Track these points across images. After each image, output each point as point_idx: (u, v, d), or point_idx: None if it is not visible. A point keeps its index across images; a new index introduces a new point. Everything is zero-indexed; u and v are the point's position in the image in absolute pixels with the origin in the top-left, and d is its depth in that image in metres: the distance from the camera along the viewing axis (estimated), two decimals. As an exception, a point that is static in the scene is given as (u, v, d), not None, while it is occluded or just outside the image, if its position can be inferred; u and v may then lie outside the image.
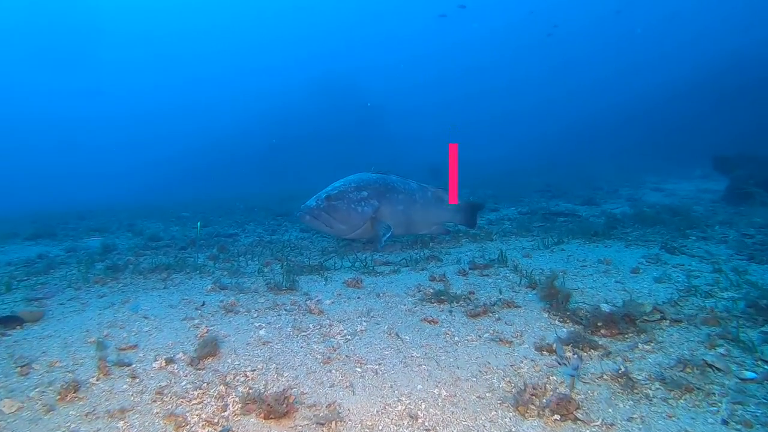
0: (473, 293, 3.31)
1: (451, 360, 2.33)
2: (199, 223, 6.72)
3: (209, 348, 2.48)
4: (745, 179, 7.65)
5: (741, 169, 7.94)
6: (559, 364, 2.25)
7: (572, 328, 2.67)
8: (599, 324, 2.57)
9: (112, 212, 10.51)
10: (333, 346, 2.53)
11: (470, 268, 4.01)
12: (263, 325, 2.89)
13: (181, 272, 4.33)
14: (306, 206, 4.82)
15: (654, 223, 5.80)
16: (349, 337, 2.67)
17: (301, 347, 2.55)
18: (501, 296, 3.25)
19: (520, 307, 3.02)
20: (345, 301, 3.29)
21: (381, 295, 3.39)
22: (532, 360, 2.31)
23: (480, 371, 2.21)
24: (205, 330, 2.80)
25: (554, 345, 2.39)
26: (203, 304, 3.34)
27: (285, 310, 3.17)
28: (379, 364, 2.31)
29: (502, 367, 2.25)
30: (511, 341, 2.52)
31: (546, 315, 2.88)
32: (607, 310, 2.63)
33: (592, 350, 2.37)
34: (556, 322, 2.78)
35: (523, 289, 3.41)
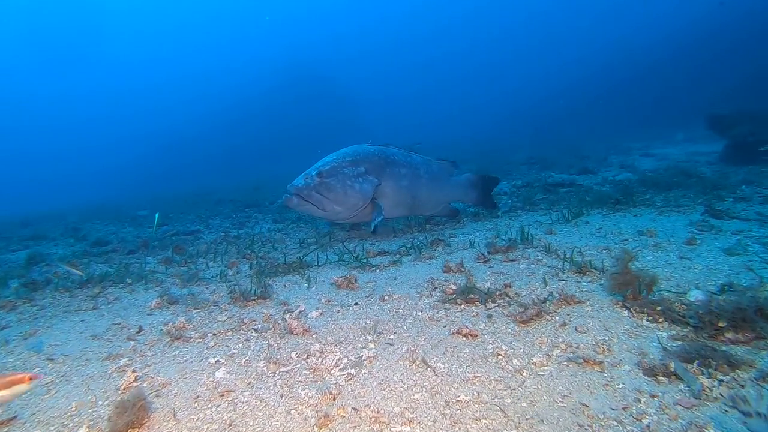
0: (509, 286, 2.40)
1: (525, 405, 1.42)
2: (156, 215, 5.56)
3: (133, 412, 1.49)
4: (744, 137, 7.02)
5: (739, 127, 7.29)
6: (696, 398, 1.37)
7: (673, 332, 1.80)
8: (721, 324, 1.70)
9: (61, 216, 9.15)
10: (330, 391, 1.58)
11: (490, 252, 3.11)
12: (222, 359, 1.90)
13: (120, 284, 3.26)
14: (293, 186, 3.76)
15: (669, 186, 5.04)
16: (353, 371, 1.72)
17: (281, 396, 1.59)
18: (548, 288, 2.36)
19: (582, 302, 2.13)
20: (338, 311, 2.33)
21: (386, 297, 2.44)
22: (650, 395, 1.42)
23: (581, 426, 1.31)
24: (133, 377, 1.79)
25: (672, 365, 1.51)
26: (140, 331, 2.32)
27: (255, 330, 2.19)
28: (411, 423, 1.38)
29: (611, 413, 1.35)
30: (600, 361, 1.62)
31: (625, 313, 1.99)
32: (731, 304, 1.76)
33: (736, 369, 1.50)
34: (644, 321, 1.90)
35: (572, 276, 2.52)
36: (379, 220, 3.80)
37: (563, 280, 2.47)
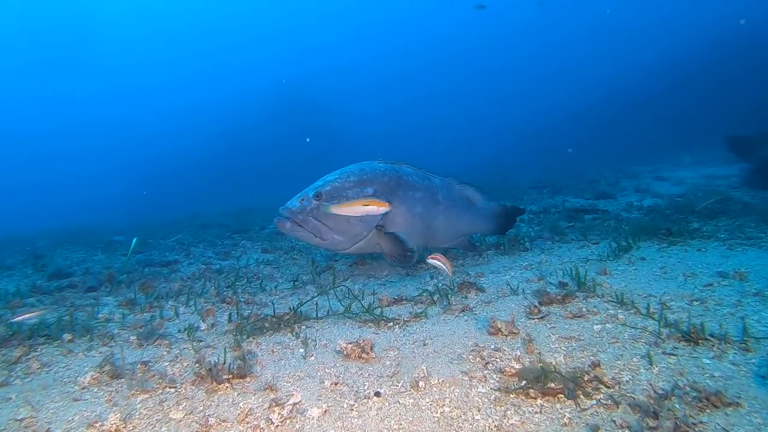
0: (598, 365, 1.62)
1: None
2: (134, 241, 4.70)
3: None
4: (772, 160, 6.42)
5: (763, 149, 6.70)
6: None
7: None
8: None
9: (32, 240, 8.20)
10: None
11: (542, 303, 2.34)
12: None
13: (56, 342, 2.42)
14: (286, 209, 3.07)
15: (714, 214, 4.36)
16: None
17: None
18: (657, 369, 1.58)
19: (736, 404, 1.36)
20: (352, 408, 1.53)
21: (419, 382, 1.64)
22: None
23: None
24: None
25: None
26: (47, 438, 1.49)
27: (224, 443, 1.38)
28: None
29: None
30: None
31: (823, 430, 1.22)
32: None
33: None
34: None
35: (680, 346, 1.75)
36: (411, 264, 3.10)
37: (671, 354, 1.70)
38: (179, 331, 2.48)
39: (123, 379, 1.89)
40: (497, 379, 1.62)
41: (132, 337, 2.41)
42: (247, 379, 1.80)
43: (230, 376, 1.78)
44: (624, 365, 1.64)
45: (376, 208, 2.04)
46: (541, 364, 1.60)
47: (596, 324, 2.04)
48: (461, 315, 2.32)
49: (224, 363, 1.85)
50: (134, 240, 4.79)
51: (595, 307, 2.24)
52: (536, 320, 2.14)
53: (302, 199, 3.09)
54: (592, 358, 1.70)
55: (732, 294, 2.29)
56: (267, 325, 2.35)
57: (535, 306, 2.25)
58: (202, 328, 2.48)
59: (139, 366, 1.98)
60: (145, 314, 2.88)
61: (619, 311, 2.16)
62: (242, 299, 2.97)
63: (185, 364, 2.00)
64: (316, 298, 2.71)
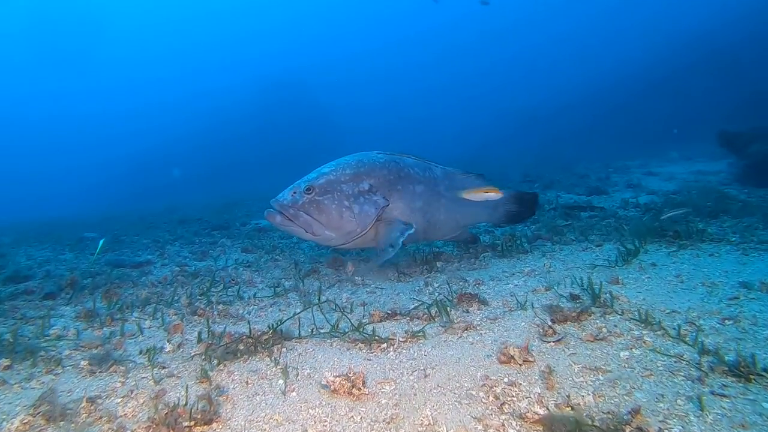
0: (638, 413, 1.32)
1: None
2: (101, 241, 4.30)
3: None
4: (766, 155, 6.27)
5: (756, 144, 6.54)
6: None
7: None
8: None
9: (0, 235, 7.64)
10: None
11: (555, 321, 2.04)
12: None
13: (-9, 367, 2.04)
14: (277, 201, 2.88)
15: (715, 213, 4.15)
16: None
17: None
18: (710, 418, 1.30)
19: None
20: (341, 473, 1.21)
21: (423, 431, 1.33)
22: None
23: None
24: None
25: None
26: None
27: None
28: None
29: None
30: None
31: None
32: None
33: None
34: None
35: (730, 383, 1.47)
36: (390, 257, 2.81)
37: (721, 395, 1.42)
38: (140, 352, 2.12)
39: (59, 424, 1.53)
40: (517, 428, 1.31)
41: (83, 362, 2.04)
42: (213, 426, 1.46)
43: (192, 423, 1.44)
44: (669, 410, 1.35)
45: (495, 194, 2.64)
46: (571, 410, 1.30)
47: (622, 350, 1.75)
48: (464, 335, 2.01)
49: (186, 404, 1.51)
50: (101, 241, 4.37)
51: (615, 326, 1.96)
52: (552, 344, 1.84)
53: (294, 192, 2.87)
54: (627, 398, 1.41)
55: (764, 310, 2.03)
56: (242, 348, 2.00)
57: (549, 325, 1.96)
58: (166, 350, 2.13)
59: (83, 404, 1.62)
60: (104, 329, 2.51)
61: (644, 332, 1.88)
62: (216, 311, 2.62)
63: (141, 401, 1.65)
64: (299, 314, 2.37)
